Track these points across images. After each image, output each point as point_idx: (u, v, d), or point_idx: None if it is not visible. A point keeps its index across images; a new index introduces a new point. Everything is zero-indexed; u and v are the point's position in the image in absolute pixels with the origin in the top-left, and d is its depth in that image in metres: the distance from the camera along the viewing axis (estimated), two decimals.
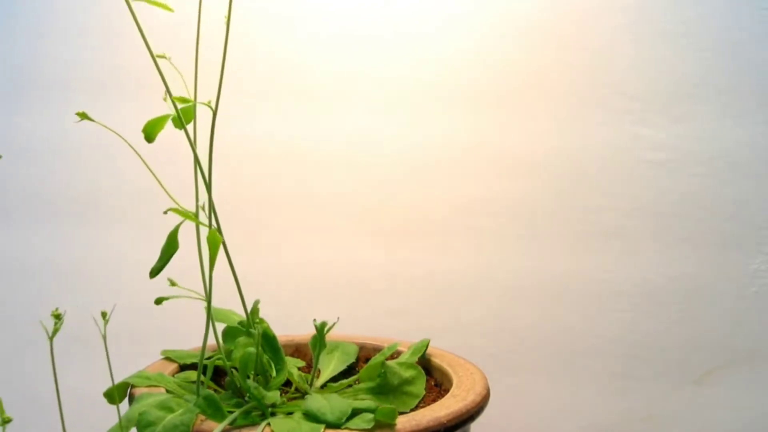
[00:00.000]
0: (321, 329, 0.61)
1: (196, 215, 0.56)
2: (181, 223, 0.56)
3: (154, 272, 0.55)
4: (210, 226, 0.56)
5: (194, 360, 0.62)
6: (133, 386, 0.57)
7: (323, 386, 0.62)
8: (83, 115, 0.54)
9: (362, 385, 0.59)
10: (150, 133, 0.57)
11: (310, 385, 0.61)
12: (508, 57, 0.86)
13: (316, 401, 0.52)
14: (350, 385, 0.61)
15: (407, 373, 0.58)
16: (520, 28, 0.85)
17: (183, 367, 0.62)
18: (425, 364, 0.63)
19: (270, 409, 0.54)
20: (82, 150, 0.91)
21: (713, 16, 0.83)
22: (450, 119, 0.87)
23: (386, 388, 0.57)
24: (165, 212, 0.55)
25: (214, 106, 0.57)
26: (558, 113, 0.86)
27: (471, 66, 0.86)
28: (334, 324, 0.62)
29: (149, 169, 0.58)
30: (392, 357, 0.66)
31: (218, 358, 0.58)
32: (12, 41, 0.90)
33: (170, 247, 0.56)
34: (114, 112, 0.92)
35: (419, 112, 0.87)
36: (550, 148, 0.86)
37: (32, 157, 0.91)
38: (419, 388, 0.57)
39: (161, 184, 0.57)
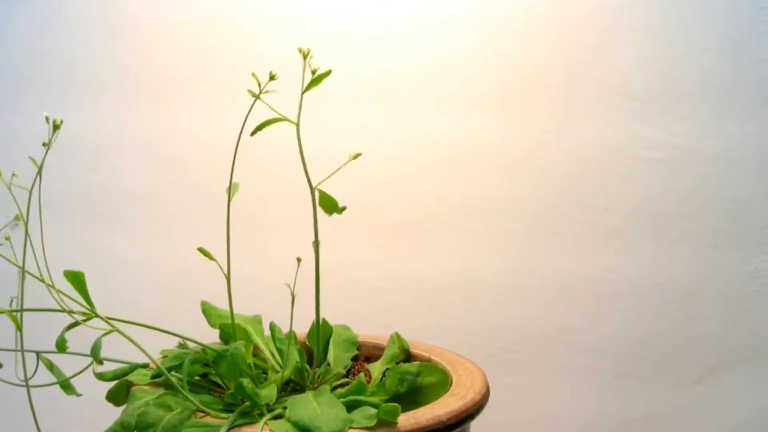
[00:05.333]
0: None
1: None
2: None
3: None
4: None
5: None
6: (132, 384, 0.57)
7: (323, 383, 0.61)
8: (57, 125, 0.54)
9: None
10: None
11: (312, 381, 0.61)
12: (508, 56, 0.86)
13: (306, 409, 0.49)
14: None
15: (426, 380, 0.56)
16: (521, 27, 0.85)
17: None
18: (426, 361, 0.63)
19: (269, 406, 0.53)
20: (81, 150, 0.91)
21: (714, 16, 0.83)
22: (450, 118, 0.87)
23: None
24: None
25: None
26: (558, 112, 0.86)
27: (470, 65, 0.86)
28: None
29: None
30: (375, 357, 0.66)
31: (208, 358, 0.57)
32: (10, 39, 0.90)
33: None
34: (113, 111, 0.92)
35: (419, 111, 0.87)
36: (551, 147, 0.86)
37: (31, 155, 0.91)
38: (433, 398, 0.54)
39: None
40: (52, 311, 0.51)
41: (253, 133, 0.55)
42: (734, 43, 0.83)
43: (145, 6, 0.89)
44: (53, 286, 0.51)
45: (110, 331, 0.51)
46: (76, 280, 0.52)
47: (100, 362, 0.50)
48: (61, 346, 0.50)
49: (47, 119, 0.52)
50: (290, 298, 0.65)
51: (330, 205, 0.58)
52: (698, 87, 0.84)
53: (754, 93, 0.84)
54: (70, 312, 0.51)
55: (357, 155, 0.57)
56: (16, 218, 0.52)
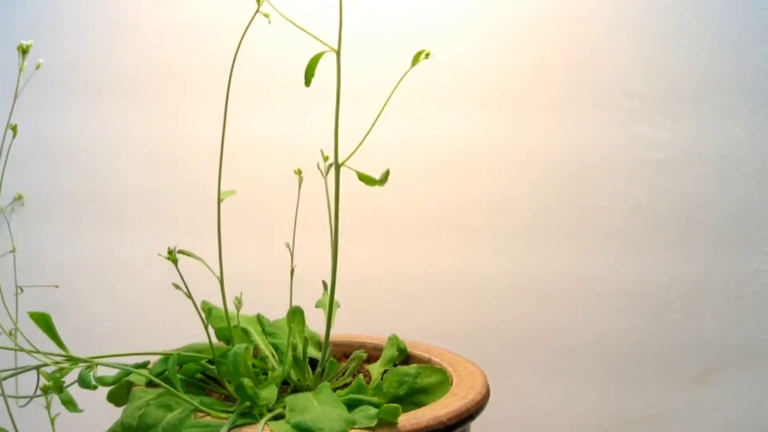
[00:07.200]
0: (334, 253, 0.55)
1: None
2: None
3: None
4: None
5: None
6: (133, 384, 0.57)
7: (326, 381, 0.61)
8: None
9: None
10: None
11: (315, 382, 0.60)
12: (508, 56, 0.86)
13: (307, 409, 0.49)
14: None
15: (425, 382, 0.55)
16: (521, 28, 0.85)
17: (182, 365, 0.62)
18: (426, 362, 0.63)
19: (269, 406, 0.53)
20: (81, 150, 0.91)
21: (714, 16, 0.83)
22: (449, 118, 0.87)
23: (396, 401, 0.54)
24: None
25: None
26: (558, 112, 0.86)
27: (470, 65, 0.86)
28: None
29: None
30: (374, 358, 0.66)
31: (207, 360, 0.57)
32: (10, 40, 0.90)
33: None
34: (113, 112, 0.92)
35: (419, 111, 0.87)
36: (551, 148, 0.86)
37: (31, 157, 0.91)
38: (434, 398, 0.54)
39: None
40: (34, 369, 0.52)
41: (307, 83, 0.54)
42: (734, 43, 0.83)
43: (146, 7, 0.89)
44: (33, 352, 0.51)
45: (91, 365, 0.51)
46: (44, 322, 0.51)
47: (94, 388, 0.50)
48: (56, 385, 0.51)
49: (23, 48, 0.52)
50: (286, 297, 0.65)
51: (368, 179, 0.56)
52: (698, 87, 0.84)
53: (754, 93, 0.84)
54: (55, 363, 0.51)
55: (425, 55, 0.56)
56: None
